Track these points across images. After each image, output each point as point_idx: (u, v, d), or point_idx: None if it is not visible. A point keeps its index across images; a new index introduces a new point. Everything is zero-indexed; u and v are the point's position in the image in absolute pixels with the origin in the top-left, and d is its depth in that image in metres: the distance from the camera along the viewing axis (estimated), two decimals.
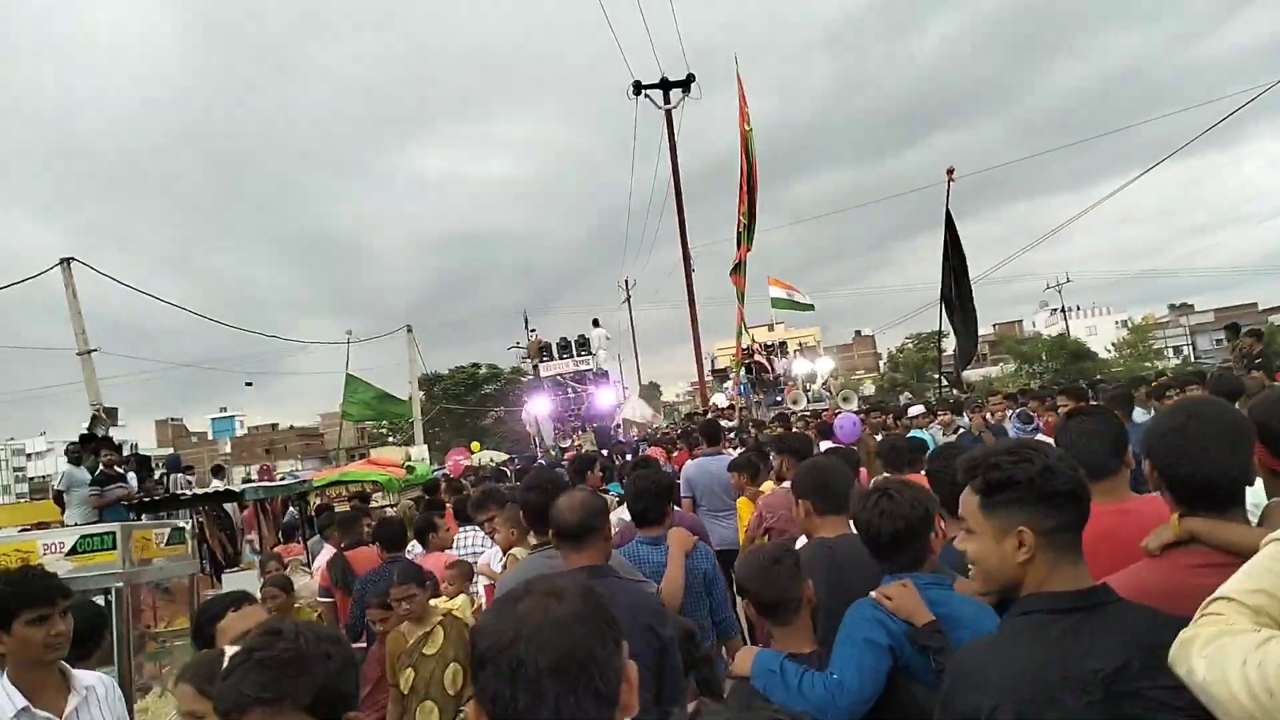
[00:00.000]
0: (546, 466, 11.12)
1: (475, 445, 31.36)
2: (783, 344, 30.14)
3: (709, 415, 17.16)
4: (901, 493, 2.66)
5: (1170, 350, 75.49)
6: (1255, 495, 2.16)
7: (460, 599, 5.37)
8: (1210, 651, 1.20)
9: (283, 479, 16.43)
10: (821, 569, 3.09)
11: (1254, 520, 2.09)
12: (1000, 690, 1.72)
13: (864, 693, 2.42)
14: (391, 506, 12.57)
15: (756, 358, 22.55)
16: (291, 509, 11.99)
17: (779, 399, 21.23)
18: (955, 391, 18.51)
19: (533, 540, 4.13)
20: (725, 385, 26.43)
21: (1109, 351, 62.33)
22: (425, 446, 35.84)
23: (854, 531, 2.99)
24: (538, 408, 23.69)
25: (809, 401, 20.46)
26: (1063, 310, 70.96)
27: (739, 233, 18.86)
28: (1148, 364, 58.47)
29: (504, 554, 4.96)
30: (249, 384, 58.60)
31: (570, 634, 1.21)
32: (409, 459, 34.39)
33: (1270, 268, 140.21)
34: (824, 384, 22.83)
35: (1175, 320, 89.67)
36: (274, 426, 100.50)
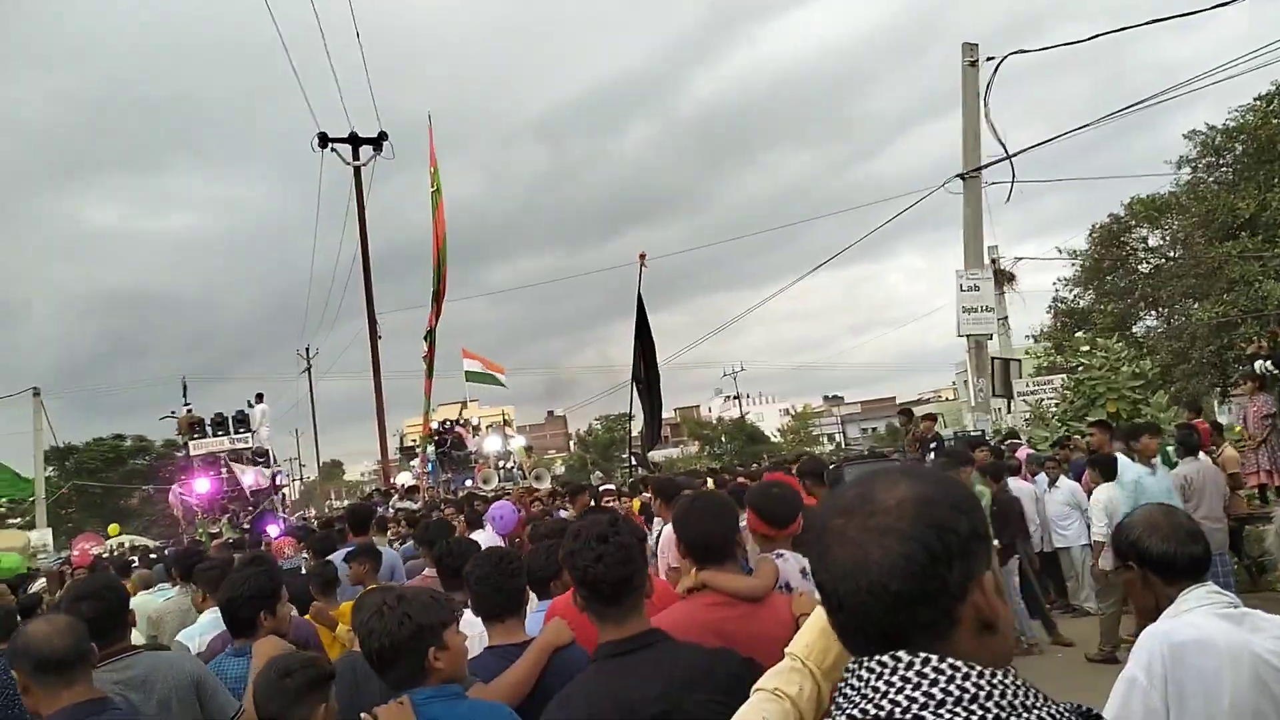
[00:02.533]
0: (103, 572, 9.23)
1: (114, 528, 27.02)
2: (474, 423, 28.99)
3: (372, 496, 15.59)
4: (394, 608, 2.56)
5: (825, 437, 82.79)
6: None
7: None
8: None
9: None
10: (346, 681, 3.08)
11: None
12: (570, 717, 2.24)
13: None
14: None
15: (457, 430, 21.25)
16: None
17: (469, 478, 19.96)
18: (642, 470, 18.37)
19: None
20: (413, 463, 24.73)
21: (776, 436, 67.12)
22: (49, 530, 30.66)
23: None
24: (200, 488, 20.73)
25: (500, 480, 19.38)
26: (737, 397, 75.62)
27: (433, 296, 17.73)
28: (808, 448, 63.54)
29: None
30: None
31: None
32: (28, 545, 29.10)
33: (906, 367, 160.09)
34: (517, 463, 21.88)
35: (829, 410, 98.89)
36: None
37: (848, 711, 1.07)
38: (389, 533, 10.60)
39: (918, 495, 1.11)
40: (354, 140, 22.31)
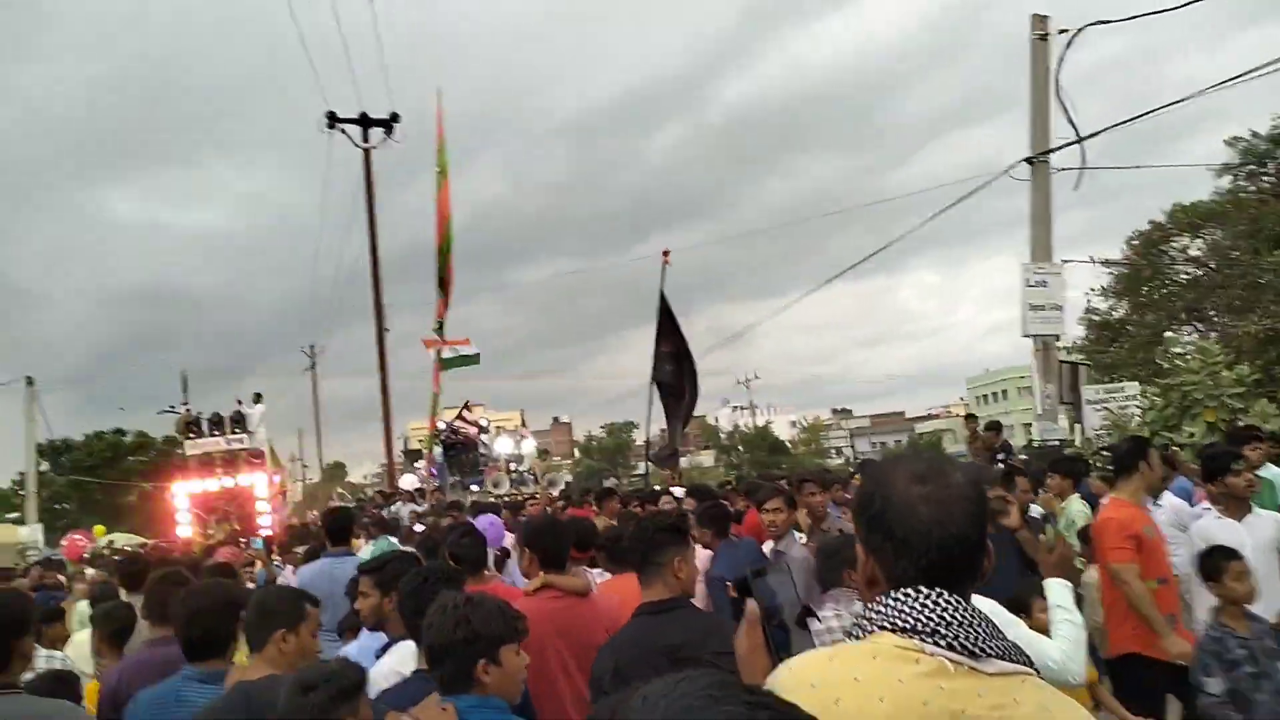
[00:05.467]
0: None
1: (99, 529, 25.83)
2: (482, 425, 27.77)
3: (375, 499, 14.43)
4: (457, 608, 2.60)
5: (834, 450, 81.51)
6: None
7: None
8: None
9: None
10: None
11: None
12: (615, 655, 3.13)
13: None
14: None
15: (463, 431, 19.96)
16: None
17: (479, 482, 18.74)
18: (665, 473, 17.42)
19: None
20: (418, 465, 23.53)
21: (788, 448, 65.87)
22: (40, 526, 29.58)
23: None
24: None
25: (512, 484, 18.18)
26: (751, 406, 74.32)
27: (438, 284, 16.57)
28: (819, 460, 62.34)
29: None
30: None
31: None
32: (18, 541, 27.86)
33: (917, 382, 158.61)
34: (529, 467, 20.65)
35: (837, 423, 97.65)
36: None
37: (879, 624, 1.46)
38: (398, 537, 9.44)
39: (973, 477, 1.54)
40: (364, 121, 21.20)
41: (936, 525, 1.45)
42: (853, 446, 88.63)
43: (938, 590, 1.43)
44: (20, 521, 30.87)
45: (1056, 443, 10.83)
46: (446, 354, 18.62)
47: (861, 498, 1.57)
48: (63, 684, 4.11)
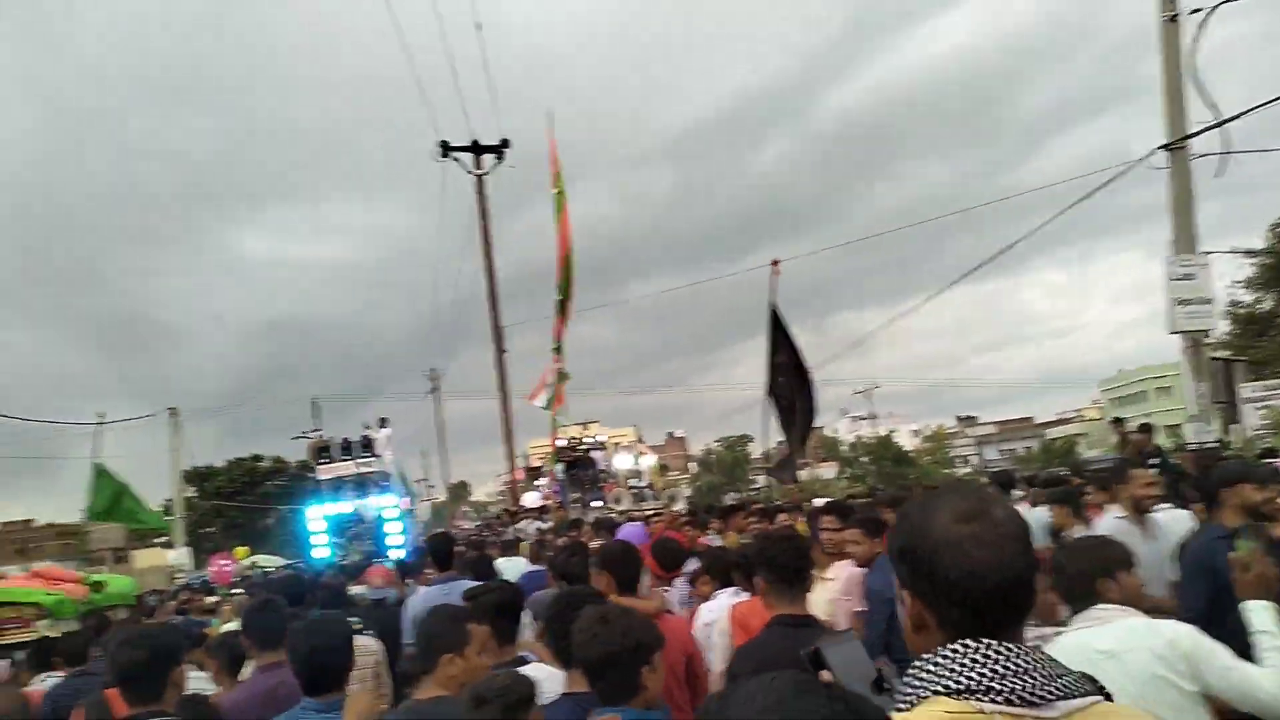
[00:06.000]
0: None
1: (240, 551, 27.03)
2: (600, 442, 27.94)
3: (500, 517, 14.57)
4: (619, 619, 2.72)
5: (960, 459, 78.95)
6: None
7: None
8: None
9: None
10: None
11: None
12: (757, 659, 3.29)
13: None
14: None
15: (583, 446, 20.06)
16: None
17: (599, 498, 18.78)
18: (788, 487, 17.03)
19: None
20: (539, 483, 23.81)
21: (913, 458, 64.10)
22: (187, 550, 31.08)
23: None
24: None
25: (633, 501, 18.17)
26: (872, 416, 72.79)
27: (558, 306, 16.72)
28: (946, 470, 60.52)
29: None
30: None
31: None
32: (168, 564, 29.38)
33: (1044, 385, 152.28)
34: (649, 482, 20.61)
35: (961, 431, 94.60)
36: (27, 523, 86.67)
37: (932, 686, 1.40)
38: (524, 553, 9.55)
39: (1013, 513, 1.47)
40: (475, 149, 21.68)
41: (990, 569, 1.40)
42: (980, 455, 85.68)
43: (985, 642, 1.39)
44: (169, 545, 32.52)
45: (1215, 444, 10.12)
46: (541, 401, 18.49)
47: (903, 540, 1.50)
48: (202, 706, 4.23)
